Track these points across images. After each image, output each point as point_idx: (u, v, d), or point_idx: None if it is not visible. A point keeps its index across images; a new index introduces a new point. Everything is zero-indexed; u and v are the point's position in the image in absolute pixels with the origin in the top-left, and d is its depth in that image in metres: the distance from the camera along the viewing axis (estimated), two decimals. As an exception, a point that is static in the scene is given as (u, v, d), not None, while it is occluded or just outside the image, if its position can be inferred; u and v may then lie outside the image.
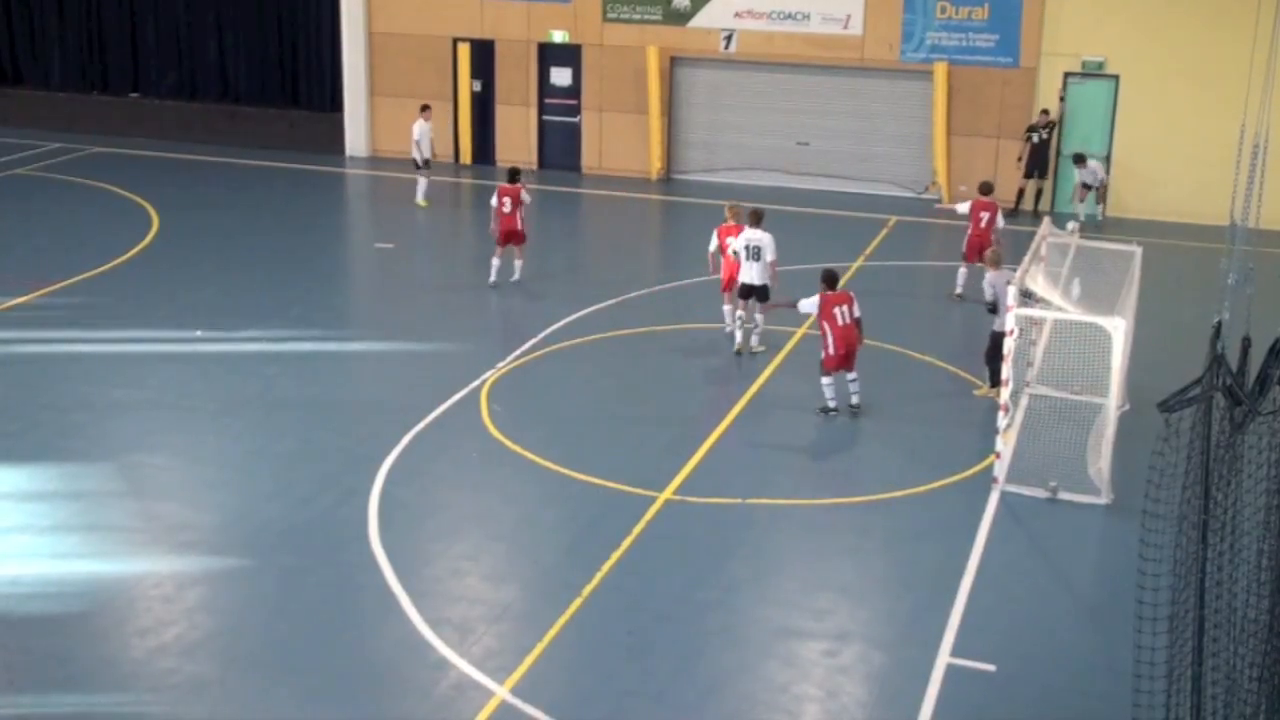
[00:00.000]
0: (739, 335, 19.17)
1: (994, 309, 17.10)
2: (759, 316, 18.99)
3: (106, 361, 18.60)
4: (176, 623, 12.40)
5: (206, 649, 12.09)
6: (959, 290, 21.64)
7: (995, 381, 16.44)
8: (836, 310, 16.90)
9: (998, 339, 16.30)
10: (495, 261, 21.77)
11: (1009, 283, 15.67)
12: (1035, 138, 26.85)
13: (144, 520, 14.23)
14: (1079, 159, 26.51)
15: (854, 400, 16.98)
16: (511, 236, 21.77)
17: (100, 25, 38.18)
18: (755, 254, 18.66)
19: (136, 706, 11.26)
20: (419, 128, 27.18)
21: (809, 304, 17.20)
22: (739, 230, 19.09)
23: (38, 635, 12.09)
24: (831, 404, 16.99)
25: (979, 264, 19.95)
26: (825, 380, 16.96)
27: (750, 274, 18.76)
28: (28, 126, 33.81)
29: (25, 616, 12.40)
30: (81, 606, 12.59)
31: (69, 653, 11.86)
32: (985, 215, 21.29)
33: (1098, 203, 27.19)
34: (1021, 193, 27.05)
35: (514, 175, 22.26)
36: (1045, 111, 26.99)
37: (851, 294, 17.35)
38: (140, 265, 23.10)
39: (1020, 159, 27.07)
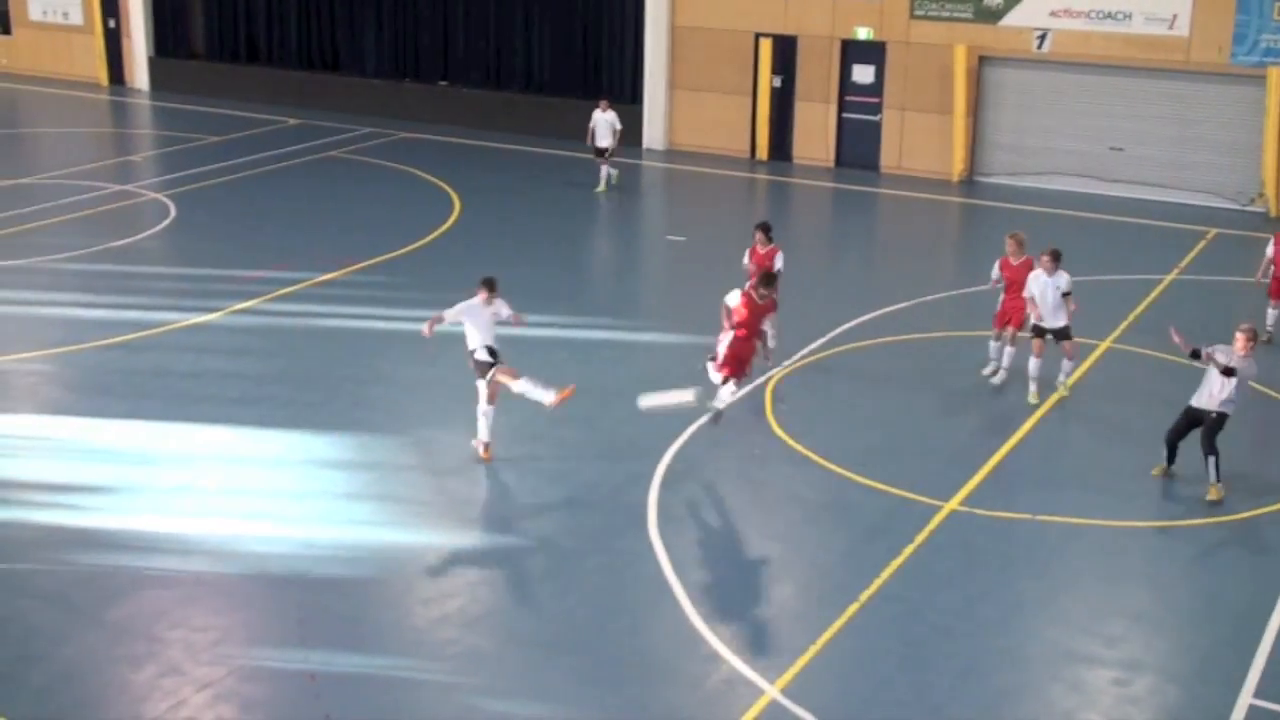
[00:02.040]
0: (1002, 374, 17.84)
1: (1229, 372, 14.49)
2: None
3: (404, 339, 19.16)
4: (459, 595, 12.65)
5: (485, 623, 12.28)
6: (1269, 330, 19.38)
7: (1215, 471, 14.42)
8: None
9: (1219, 419, 14.47)
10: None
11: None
12: None
13: (433, 493, 14.59)
14: None
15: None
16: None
17: (415, 18, 39.64)
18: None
19: (417, 672, 11.53)
20: (594, 117, 27.75)
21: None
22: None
23: (330, 596, 12.53)
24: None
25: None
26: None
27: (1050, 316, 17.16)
28: (344, 111, 35.38)
29: (319, 578, 12.86)
30: (371, 572, 12.98)
31: (358, 615, 12.25)
32: None
33: None
34: None
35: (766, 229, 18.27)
36: None
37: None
38: (441, 247, 23.82)
39: None
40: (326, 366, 18.16)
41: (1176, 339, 14.89)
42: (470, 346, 15.35)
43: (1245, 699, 11.18)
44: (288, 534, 13.67)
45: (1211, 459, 14.42)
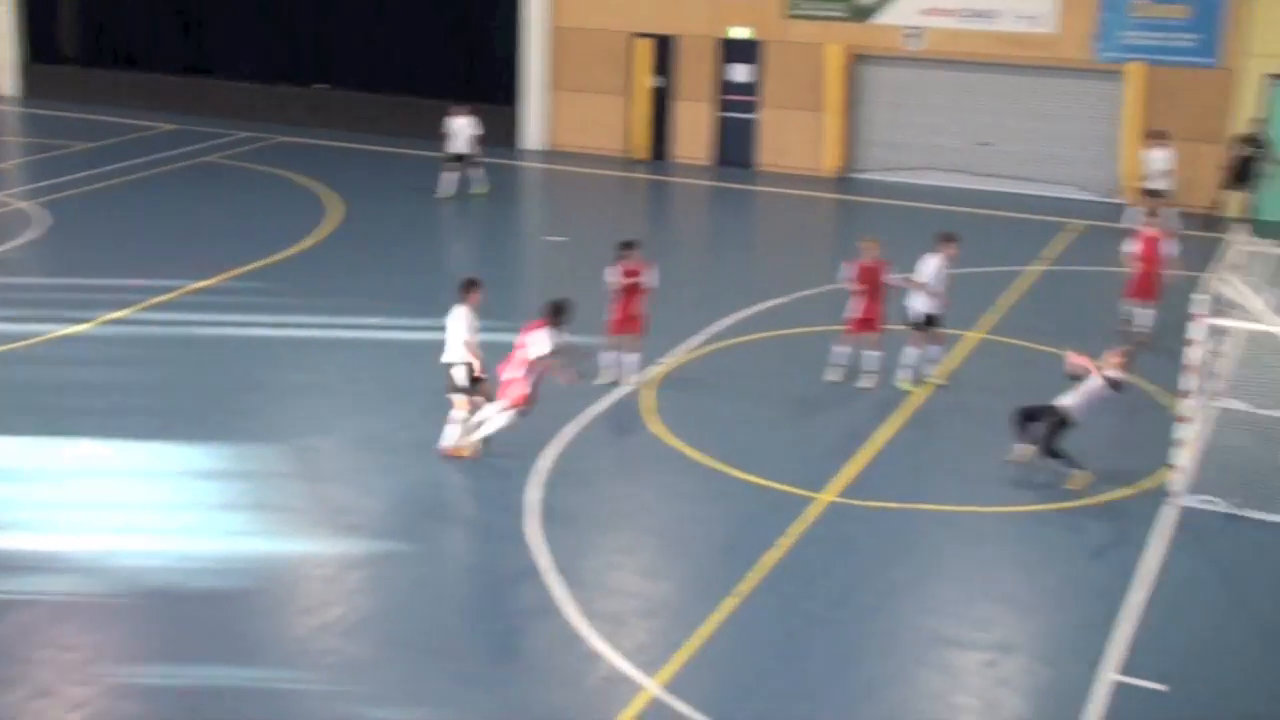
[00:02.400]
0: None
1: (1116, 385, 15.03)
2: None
3: (282, 345, 19.05)
4: (338, 603, 12.60)
5: (366, 630, 12.25)
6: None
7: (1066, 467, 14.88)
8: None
9: (1062, 417, 14.81)
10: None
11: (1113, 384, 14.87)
12: (1243, 150, 25.43)
13: (311, 502, 14.50)
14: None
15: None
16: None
17: (290, 20, 39.25)
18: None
19: (297, 683, 11.46)
20: (450, 123, 27.25)
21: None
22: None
23: (206, 609, 12.39)
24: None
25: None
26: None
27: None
28: (219, 115, 34.91)
29: (195, 590, 12.71)
30: (248, 583, 12.87)
31: (235, 627, 12.14)
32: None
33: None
34: (1222, 204, 25.78)
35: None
36: (1258, 120, 25.65)
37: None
38: (318, 252, 23.62)
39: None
40: (202, 375, 17.94)
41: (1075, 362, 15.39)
42: (453, 359, 15.34)
43: (1110, 675, 11.53)
44: (162, 547, 13.49)
45: (1054, 461, 14.89)
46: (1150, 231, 19.15)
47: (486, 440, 15.39)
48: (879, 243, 17.72)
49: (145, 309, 20.28)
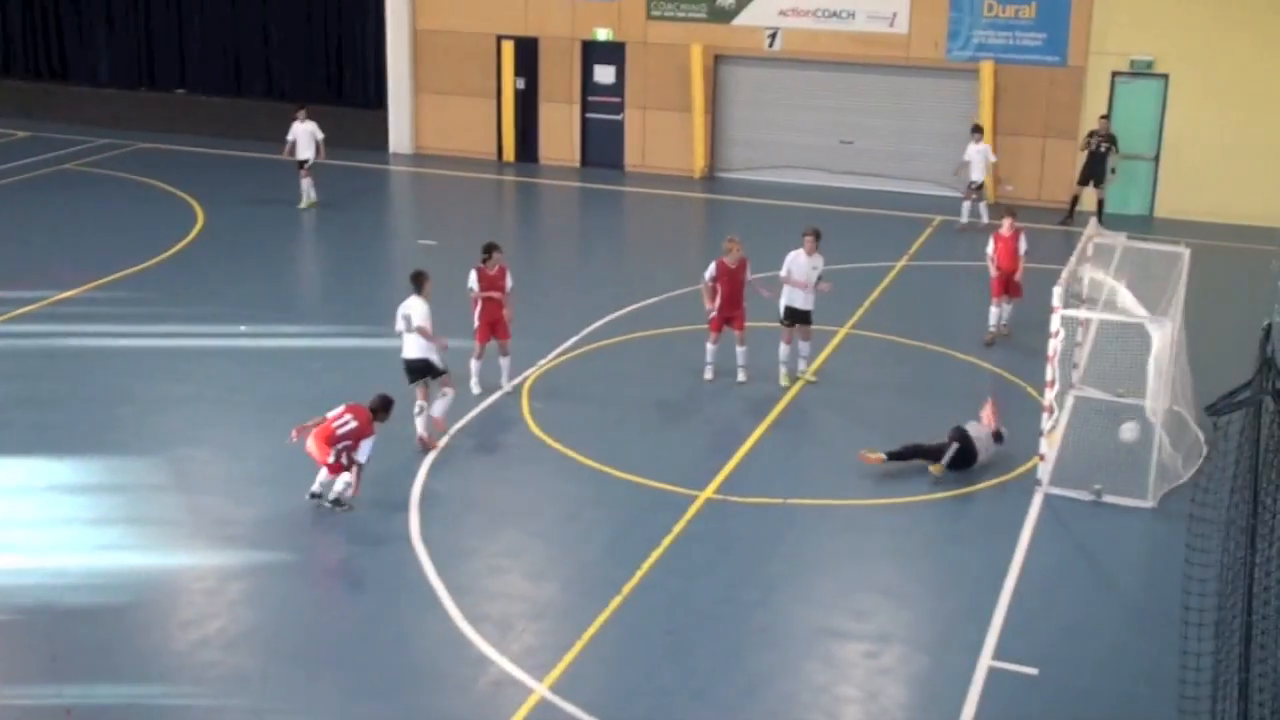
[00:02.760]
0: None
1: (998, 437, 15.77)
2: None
3: (151, 356, 18.73)
4: (219, 616, 12.48)
5: (248, 642, 12.16)
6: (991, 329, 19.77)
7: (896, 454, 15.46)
8: None
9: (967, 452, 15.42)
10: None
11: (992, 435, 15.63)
12: (1094, 146, 26.30)
13: (187, 514, 14.32)
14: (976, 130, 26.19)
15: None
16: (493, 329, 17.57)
17: (148, 22, 38.55)
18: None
19: (179, 699, 11.35)
20: (292, 128, 26.53)
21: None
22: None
23: (83, 626, 12.20)
24: None
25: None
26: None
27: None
28: (75, 122, 34.07)
29: (70, 607, 12.50)
30: (125, 598, 12.69)
31: (113, 644, 11.97)
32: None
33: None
34: (1075, 199, 26.65)
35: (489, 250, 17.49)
36: (1105, 117, 26.53)
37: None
38: (185, 260, 23.25)
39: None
40: (69, 388, 17.56)
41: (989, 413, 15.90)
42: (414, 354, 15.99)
43: (985, 661, 11.92)
44: (34, 564, 13.22)
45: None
46: (1005, 232, 19.63)
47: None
48: (739, 242, 17.94)
49: (6, 321, 19.78)
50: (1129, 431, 15.55)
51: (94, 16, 38.84)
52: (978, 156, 25.76)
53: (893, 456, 15.39)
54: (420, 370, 15.99)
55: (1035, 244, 20.33)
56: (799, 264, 17.74)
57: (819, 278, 17.77)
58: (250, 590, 12.96)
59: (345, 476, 14.25)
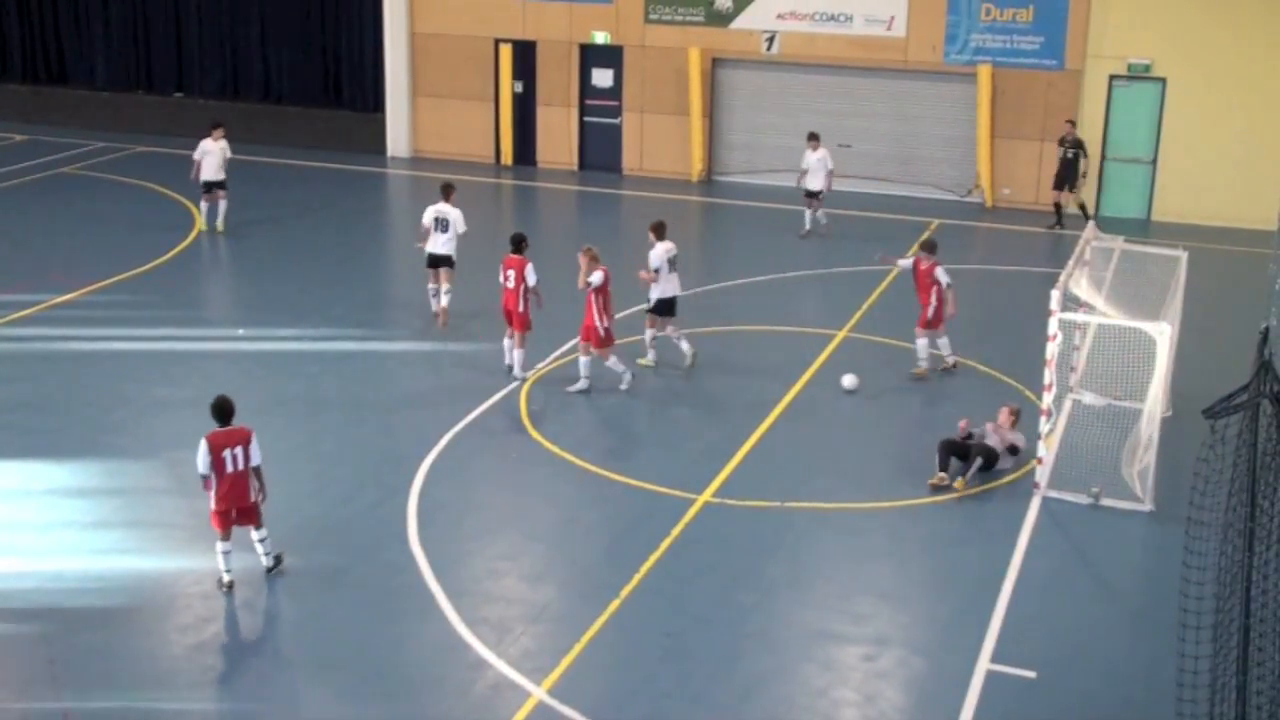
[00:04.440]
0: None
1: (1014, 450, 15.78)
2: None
3: (149, 359, 18.72)
4: (216, 620, 12.48)
5: (246, 646, 12.18)
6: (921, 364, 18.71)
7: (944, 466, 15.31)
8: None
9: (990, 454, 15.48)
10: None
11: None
12: (1063, 152, 26.29)
13: (186, 517, 14.29)
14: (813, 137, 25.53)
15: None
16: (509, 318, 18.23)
17: (145, 25, 38.58)
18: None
19: (176, 703, 11.34)
20: (201, 146, 24.62)
21: None
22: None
23: (81, 630, 12.19)
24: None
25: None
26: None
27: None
28: (73, 125, 34.08)
29: (69, 611, 12.49)
30: (123, 602, 12.68)
31: (111, 648, 11.96)
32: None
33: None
34: (1058, 205, 26.63)
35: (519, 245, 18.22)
36: (1071, 123, 26.55)
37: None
38: (183, 264, 23.25)
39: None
40: (68, 391, 17.56)
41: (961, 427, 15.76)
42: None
43: (984, 665, 11.91)
44: (33, 568, 13.21)
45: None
46: (924, 264, 18.59)
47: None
48: (595, 251, 17.84)
49: (5, 324, 19.78)
50: (848, 380, 17.37)
51: (91, 20, 38.88)
52: (816, 165, 25.17)
53: (944, 466, 15.34)
54: (442, 261, 19.74)
55: (1029, 248, 20.33)
56: (658, 255, 18.33)
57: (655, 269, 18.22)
58: (247, 594, 12.93)
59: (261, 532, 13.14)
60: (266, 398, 17.43)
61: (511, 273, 17.82)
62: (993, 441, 15.57)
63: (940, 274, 18.32)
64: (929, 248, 18.85)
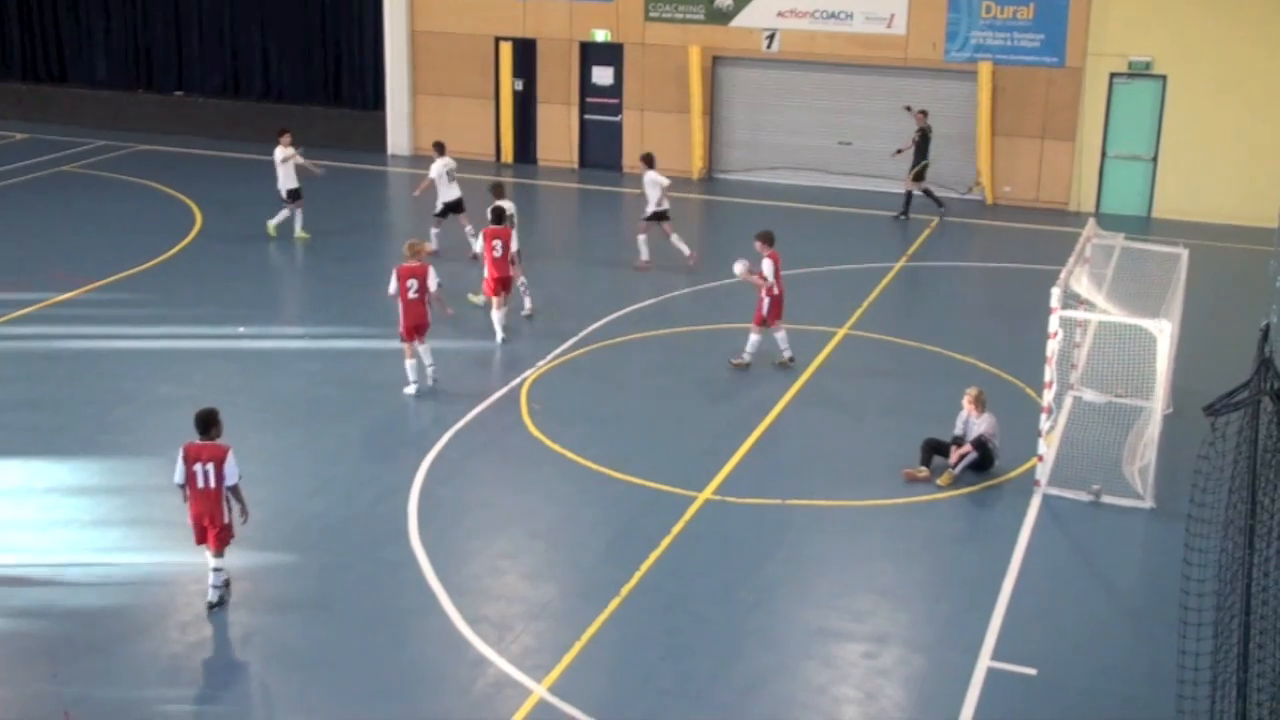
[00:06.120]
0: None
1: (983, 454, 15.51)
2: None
3: (149, 357, 18.73)
4: (217, 617, 12.46)
5: (247, 644, 12.16)
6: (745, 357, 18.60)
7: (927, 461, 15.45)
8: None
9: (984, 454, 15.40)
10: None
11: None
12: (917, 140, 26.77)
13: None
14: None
15: None
16: (504, 284, 19.49)
17: (145, 24, 38.58)
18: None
19: (177, 701, 11.35)
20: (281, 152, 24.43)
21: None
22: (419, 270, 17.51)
23: (81, 628, 12.19)
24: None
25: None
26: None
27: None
28: (73, 124, 34.08)
29: (69, 609, 12.51)
30: (124, 600, 12.69)
31: (112, 645, 11.96)
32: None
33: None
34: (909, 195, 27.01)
35: (501, 217, 19.75)
36: (923, 112, 26.93)
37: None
38: (183, 262, 23.25)
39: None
40: (68, 389, 17.57)
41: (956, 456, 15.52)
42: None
43: (984, 662, 11.91)
44: (33, 566, 13.23)
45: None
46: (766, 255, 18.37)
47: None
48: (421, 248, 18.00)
49: (6, 322, 19.79)
50: (738, 266, 18.16)
51: (92, 19, 38.87)
52: (650, 187, 23.12)
53: (925, 462, 15.40)
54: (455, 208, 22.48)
55: (1030, 245, 20.31)
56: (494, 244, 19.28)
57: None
58: (248, 592, 12.92)
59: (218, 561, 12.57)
60: (267, 396, 17.46)
61: (498, 242, 19.30)
62: (982, 429, 15.45)
63: (766, 267, 18.26)
64: (766, 238, 18.52)
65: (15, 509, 14.43)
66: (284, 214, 24.54)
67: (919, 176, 26.76)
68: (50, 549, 13.59)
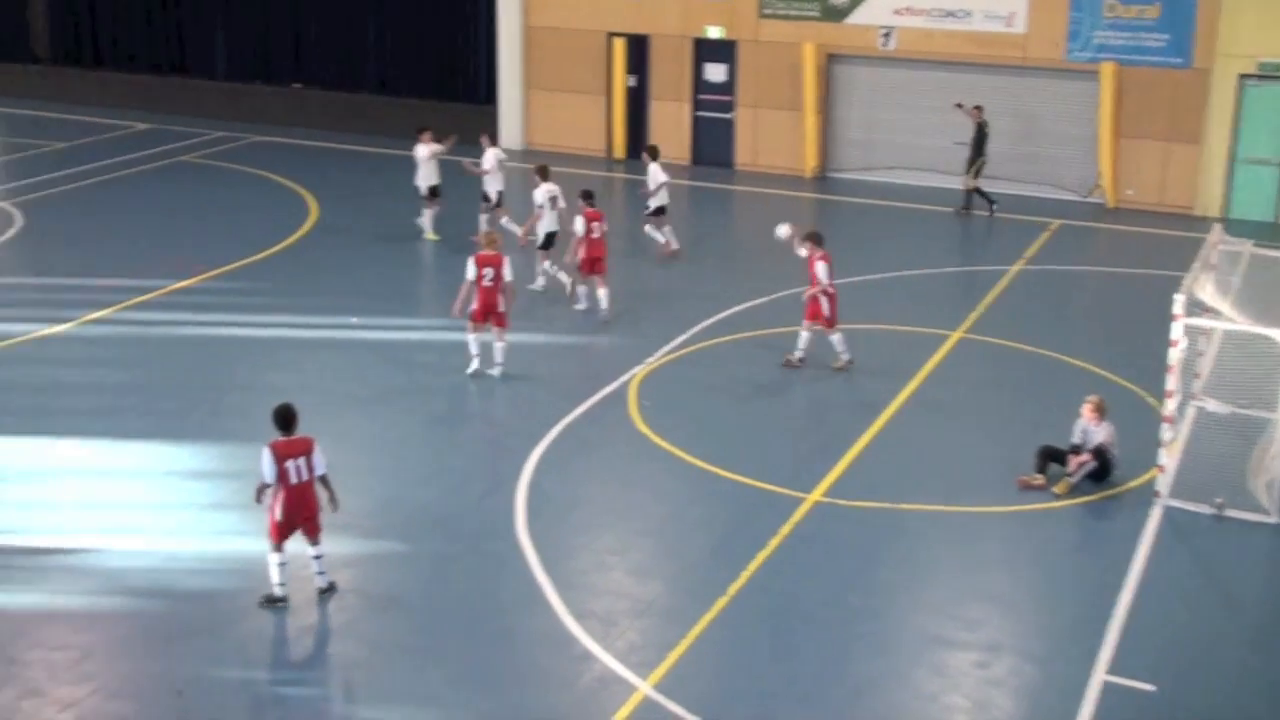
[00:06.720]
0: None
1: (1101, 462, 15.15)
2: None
3: (264, 346, 18.98)
4: (326, 604, 12.54)
5: (355, 631, 12.23)
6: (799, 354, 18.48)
7: (1042, 469, 15.08)
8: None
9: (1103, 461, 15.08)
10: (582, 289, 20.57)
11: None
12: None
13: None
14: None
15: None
16: (596, 265, 20.04)
17: (265, 18, 39.21)
18: None
19: (284, 685, 11.47)
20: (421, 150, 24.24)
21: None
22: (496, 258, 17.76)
23: (194, 609, 12.35)
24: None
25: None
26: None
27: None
28: (193, 115, 34.71)
29: (183, 591, 12.69)
30: (237, 584, 12.82)
31: (223, 627, 12.11)
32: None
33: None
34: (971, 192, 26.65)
35: (590, 196, 20.35)
36: (978, 108, 26.59)
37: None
38: (298, 252, 23.54)
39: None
40: (185, 375, 17.85)
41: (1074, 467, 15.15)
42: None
43: (1099, 675, 11.61)
44: (149, 547, 13.45)
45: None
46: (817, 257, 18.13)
47: None
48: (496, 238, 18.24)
49: (126, 309, 20.17)
50: (782, 229, 18.34)
51: (213, 13, 39.63)
52: (653, 180, 23.21)
53: (1041, 470, 15.10)
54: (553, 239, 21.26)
55: (1153, 250, 19.81)
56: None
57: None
58: (357, 579, 13.02)
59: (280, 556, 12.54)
60: (378, 386, 17.59)
61: (595, 224, 19.86)
62: (1101, 438, 15.10)
63: (820, 269, 17.95)
64: (815, 239, 18.33)
65: (133, 491, 14.68)
66: (429, 213, 24.49)
67: (976, 173, 26.29)
68: (167, 531, 13.80)
